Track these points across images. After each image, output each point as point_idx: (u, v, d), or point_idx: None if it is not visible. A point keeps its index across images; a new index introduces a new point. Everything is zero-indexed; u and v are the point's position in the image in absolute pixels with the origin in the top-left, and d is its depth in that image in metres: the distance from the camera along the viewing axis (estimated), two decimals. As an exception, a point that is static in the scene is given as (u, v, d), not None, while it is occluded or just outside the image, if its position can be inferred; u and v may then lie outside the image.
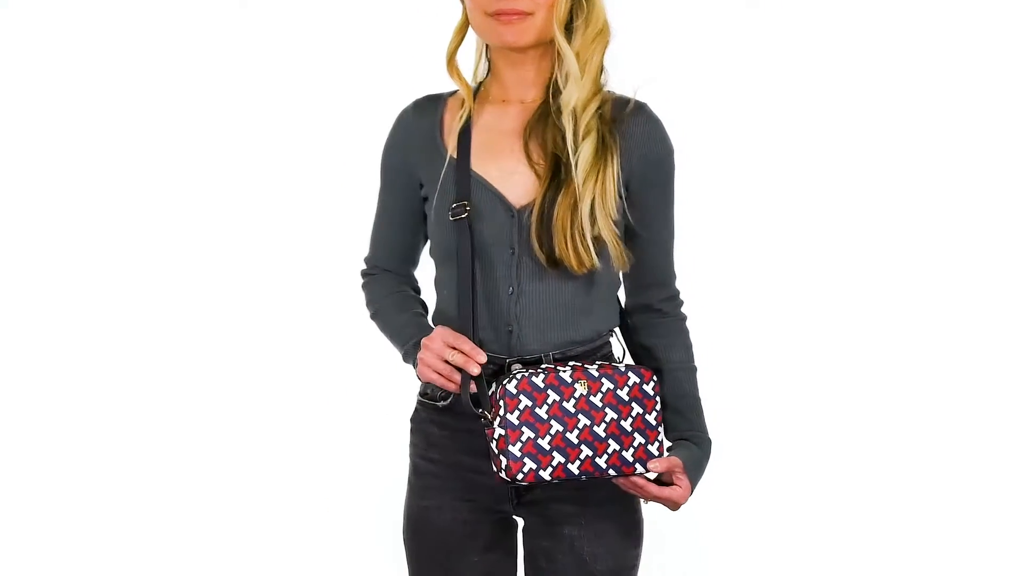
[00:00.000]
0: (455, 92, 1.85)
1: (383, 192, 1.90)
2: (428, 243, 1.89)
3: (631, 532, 1.84)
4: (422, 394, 1.83)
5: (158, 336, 3.40)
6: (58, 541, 3.28)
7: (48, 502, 3.33)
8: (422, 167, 1.82)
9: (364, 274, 1.97)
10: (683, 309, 1.89)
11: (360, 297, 1.98)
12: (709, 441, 1.84)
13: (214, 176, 3.39)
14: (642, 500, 1.80)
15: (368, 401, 3.17)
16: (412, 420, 1.90)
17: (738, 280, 3.36)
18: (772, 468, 3.33)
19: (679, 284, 1.90)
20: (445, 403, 1.79)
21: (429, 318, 1.89)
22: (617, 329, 1.87)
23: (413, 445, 1.89)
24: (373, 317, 1.93)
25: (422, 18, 3.26)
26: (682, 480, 1.76)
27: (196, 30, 3.37)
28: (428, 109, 1.85)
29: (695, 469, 1.80)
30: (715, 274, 3.36)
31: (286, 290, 3.36)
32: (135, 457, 3.35)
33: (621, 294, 1.90)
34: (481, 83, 1.85)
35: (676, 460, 1.76)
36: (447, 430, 1.83)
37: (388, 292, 1.91)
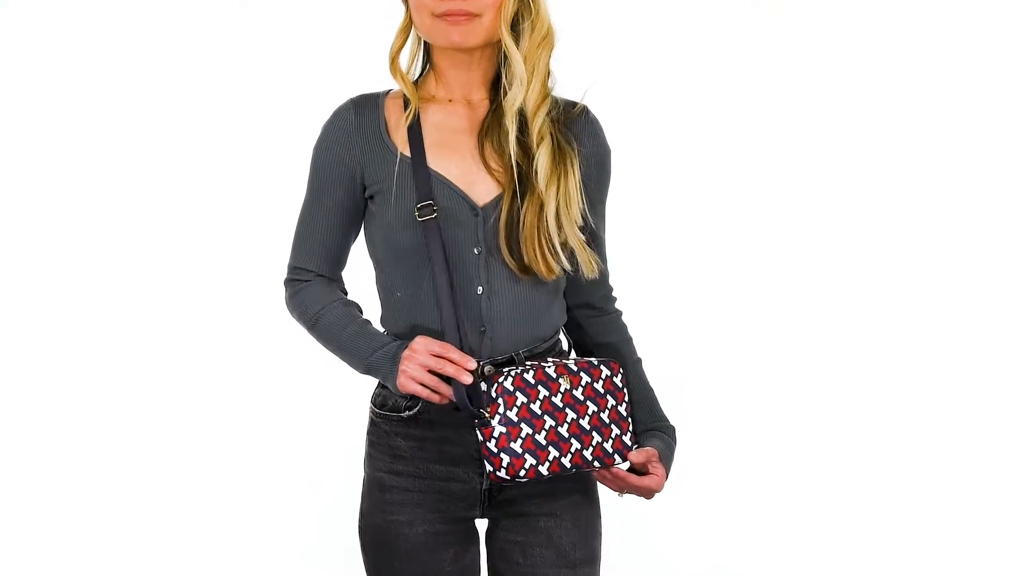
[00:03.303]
0: (390, 91, 1.84)
1: (315, 192, 1.84)
2: (371, 243, 1.85)
3: (596, 521, 1.88)
4: (381, 406, 1.83)
5: (156, 336, 3.40)
6: (57, 541, 3.28)
7: (46, 501, 3.33)
8: (368, 165, 1.80)
9: (290, 281, 1.89)
10: (617, 305, 1.94)
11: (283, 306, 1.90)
12: (673, 428, 1.89)
13: (214, 176, 3.39)
14: (616, 492, 1.83)
15: (358, 403, 3.16)
16: (370, 435, 1.86)
17: (741, 280, 3.35)
18: (766, 469, 3.32)
19: (613, 281, 1.93)
20: (411, 413, 1.79)
21: (376, 324, 1.85)
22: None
23: (375, 460, 1.85)
24: (312, 329, 1.85)
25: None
26: (658, 468, 1.81)
27: (196, 30, 3.37)
28: (368, 107, 1.83)
29: (667, 456, 1.85)
30: (718, 275, 3.36)
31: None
32: (131, 457, 3.35)
33: None
34: (416, 82, 1.84)
35: (652, 450, 1.81)
36: (414, 440, 1.81)
37: (327, 301, 1.83)
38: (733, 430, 3.32)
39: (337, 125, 1.82)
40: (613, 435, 1.77)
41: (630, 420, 1.80)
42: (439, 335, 1.74)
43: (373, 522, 1.85)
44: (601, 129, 1.85)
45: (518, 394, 1.70)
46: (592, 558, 1.86)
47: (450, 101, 1.81)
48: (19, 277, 3.39)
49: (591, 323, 1.90)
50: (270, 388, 3.33)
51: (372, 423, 1.85)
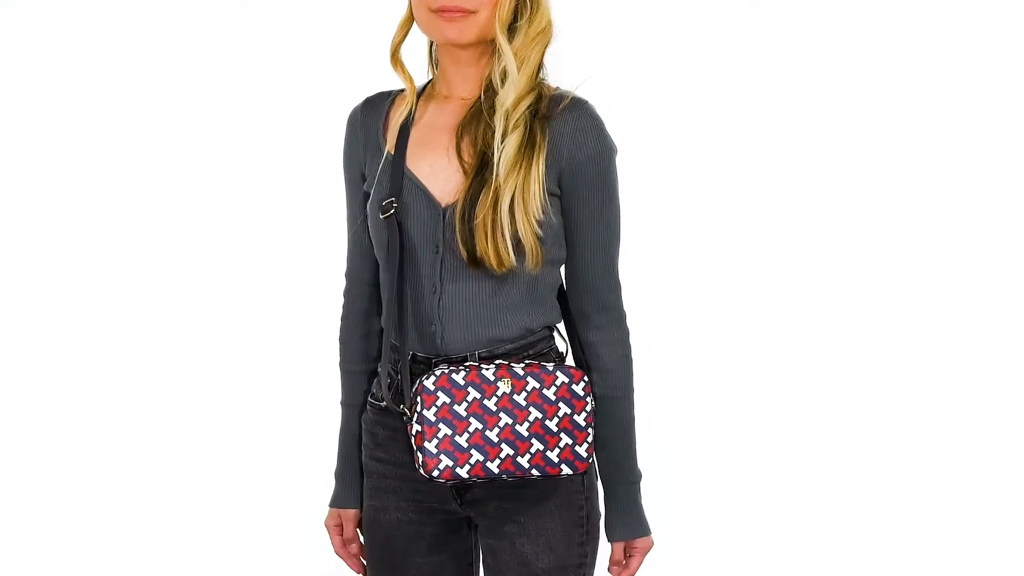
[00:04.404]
0: (405, 89, 1.85)
1: (346, 196, 1.90)
2: None
3: (575, 529, 1.82)
4: (370, 394, 1.88)
5: (158, 337, 3.40)
6: (58, 541, 3.28)
7: (48, 502, 3.34)
8: (367, 165, 1.84)
9: (344, 293, 1.95)
10: (621, 327, 1.82)
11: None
12: (628, 483, 1.83)
13: (214, 176, 3.39)
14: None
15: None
16: (363, 421, 1.91)
17: (737, 281, 3.35)
18: (764, 471, 3.32)
19: (627, 299, 1.84)
20: (385, 403, 1.81)
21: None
22: (560, 325, 1.85)
23: (364, 446, 1.90)
24: (339, 367, 1.96)
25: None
26: (631, 564, 1.85)
27: (196, 30, 3.37)
28: (375, 106, 1.86)
29: (628, 526, 1.84)
30: (715, 276, 3.37)
31: (285, 291, 3.36)
32: (133, 458, 3.35)
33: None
34: (432, 80, 1.85)
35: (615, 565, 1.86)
36: (390, 430, 1.83)
37: (350, 352, 1.93)
38: (733, 431, 3.32)
39: (348, 124, 1.88)
40: (561, 444, 1.72)
41: (590, 431, 1.74)
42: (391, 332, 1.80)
43: (364, 507, 1.92)
44: (593, 127, 1.76)
45: (440, 394, 1.70)
46: (562, 568, 1.81)
47: (446, 98, 1.81)
48: (19, 277, 3.39)
49: (585, 338, 1.82)
50: (270, 388, 3.34)
51: (366, 411, 1.90)
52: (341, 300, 1.95)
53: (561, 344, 1.85)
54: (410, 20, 1.79)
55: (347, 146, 1.88)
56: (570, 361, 1.86)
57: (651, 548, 1.85)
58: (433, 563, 1.86)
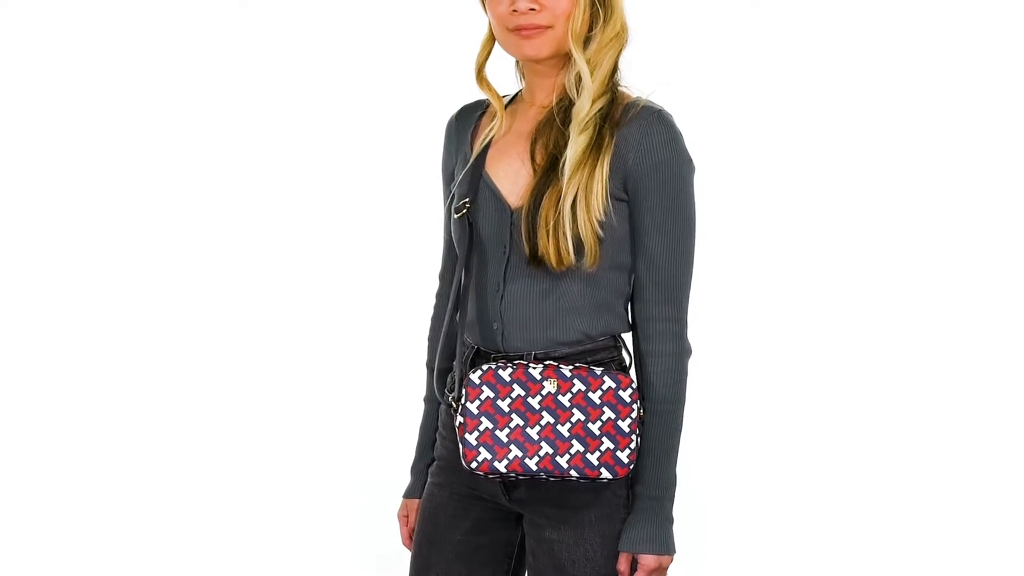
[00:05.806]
0: (502, 96, 1.91)
1: (443, 200, 1.99)
2: None
3: (614, 541, 1.82)
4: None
5: (159, 337, 3.40)
6: (58, 541, 3.28)
7: (49, 502, 3.33)
8: (455, 167, 1.93)
9: (436, 293, 2.04)
10: (673, 341, 1.80)
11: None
12: (647, 496, 1.81)
13: (214, 176, 3.39)
14: None
15: (365, 402, 3.18)
16: (440, 411, 1.99)
17: (738, 281, 3.35)
18: (771, 470, 3.32)
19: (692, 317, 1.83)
20: (437, 394, 1.93)
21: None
22: (627, 336, 1.85)
23: (439, 433, 1.98)
24: (426, 365, 2.04)
25: (420, 18, 3.27)
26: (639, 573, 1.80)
27: (196, 30, 3.37)
28: (468, 115, 1.96)
29: (634, 539, 1.80)
30: (715, 276, 3.36)
31: (286, 290, 3.36)
32: (136, 457, 3.35)
33: None
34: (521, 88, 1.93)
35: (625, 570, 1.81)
36: (451, 418, 1.91)
37: (435, 349, 1.99)
38: (734, 432, 3.33)
39: (445, 132, 1.98)
40: (603, 448, 1.74)
41: (633, 437, 1.75)
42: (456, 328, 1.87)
43: (426, 484, 2.00)
44: (661, 136, 1.77)
45: (484, 388, 1.75)
46: None
47: (530, 105, 1.87)
48: (20, 278, 3.39)
49: (636, 341, 1.83)
50: (289, 392, 3.35)
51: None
52: (433, 301, 2.05)
53: (628, 357, 1.86)
54: (491, 39, 1.85)
55: (443, 152, 1.98)
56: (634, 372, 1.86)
57: (662, 568, 1.81)
58: (471, 543, 1.91)
